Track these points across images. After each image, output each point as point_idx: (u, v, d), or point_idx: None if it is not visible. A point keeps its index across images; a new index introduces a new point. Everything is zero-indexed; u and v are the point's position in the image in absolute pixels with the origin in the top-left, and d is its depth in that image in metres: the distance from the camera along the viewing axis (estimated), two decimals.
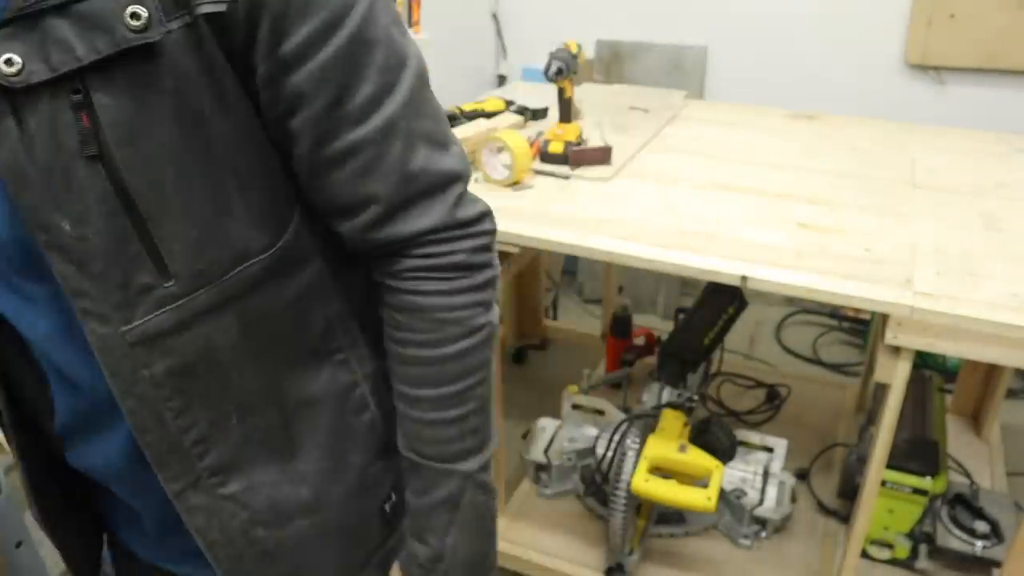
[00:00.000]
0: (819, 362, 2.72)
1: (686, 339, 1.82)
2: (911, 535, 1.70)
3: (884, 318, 1.23)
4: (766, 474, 1.80)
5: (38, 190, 0.52)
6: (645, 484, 1.50)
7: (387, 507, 0.78)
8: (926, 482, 1.64)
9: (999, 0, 2.30)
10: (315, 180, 0.61)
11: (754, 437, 1.88)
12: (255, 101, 0.57)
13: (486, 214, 0.67)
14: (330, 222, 0.65)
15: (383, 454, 0.75)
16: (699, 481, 1.54)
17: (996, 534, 1.67)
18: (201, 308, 0.59)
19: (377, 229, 0.63)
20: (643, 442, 1.58)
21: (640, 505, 1.70)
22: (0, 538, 1.29)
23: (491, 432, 0.72)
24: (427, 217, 0.63)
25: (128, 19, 0.49)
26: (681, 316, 1.94)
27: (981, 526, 1.68)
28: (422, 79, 0.62)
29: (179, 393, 0.61)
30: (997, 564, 1.65)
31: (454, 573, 0.72)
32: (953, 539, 1.68)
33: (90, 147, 0.51)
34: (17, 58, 0.49)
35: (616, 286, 2.49)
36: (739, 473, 1.80)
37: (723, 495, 1.74)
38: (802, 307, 2.96)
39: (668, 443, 1.57)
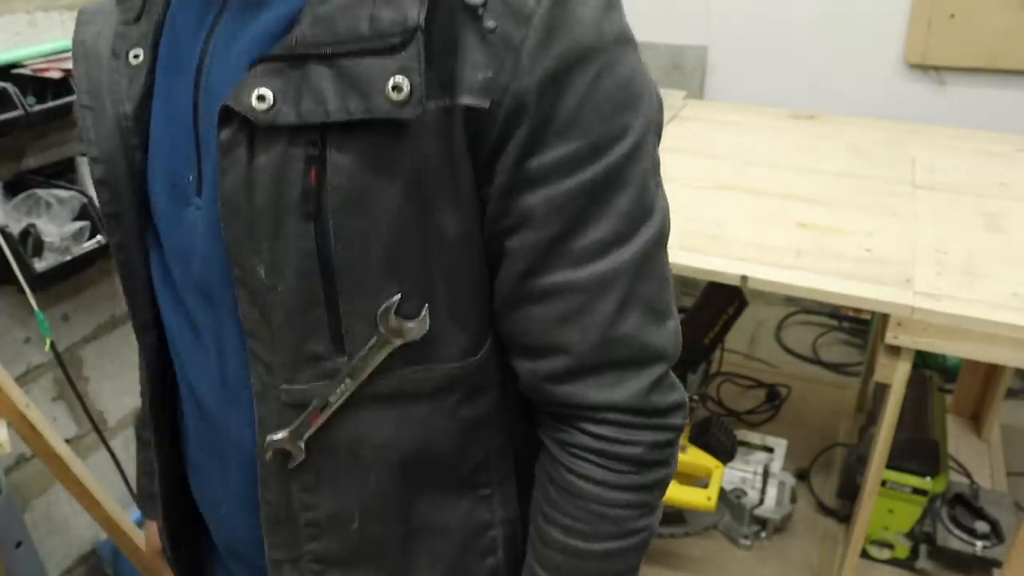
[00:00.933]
0: (819, 362, 2.72)
1: (686, 339, 1.82)
2: (911, 535, 1.70)
3: (884, 318, 1.23)
4: (766, 474, 1.80)
5: (245, 227, 0.51)
6: None
7: None
8: (926, 482, 1.64)
9: (999, 0, 2.30)
10: (511, 310, 0.56)
11: (754, 437, 1.88)
12: (482, 208, 0.52)
13: (681, 406, 0.59)
14: (513, 358, 0.59)
15: None
16: (699, 481, 1.54)
17: (996, 534, 1.67)
18: (364, 396, 0.55)
19: (558, 384, 0.56)
20: None
21: None
22: (0, 538, 1.29)
23: None
24: (617, 391, 0.55)
25: (390, 90, 0.46)
26: (681, 316, 1.93)
27: (981, 526, 1.67)
28: (661, 239, 0.56)
29: (313, 469, 0.58)
30: (997, 564, 1.65)
31: None
32: (953, 539, 1.68)
33: (308, 204, 0.49)
34: (270, 96, 0.47)
35: None
36: (739, 473, 1.80)
37: (723, 495, 1.74)
38: (802, 307, 2.95)
39: None
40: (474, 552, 0.65)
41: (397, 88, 0.46)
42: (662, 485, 0.60)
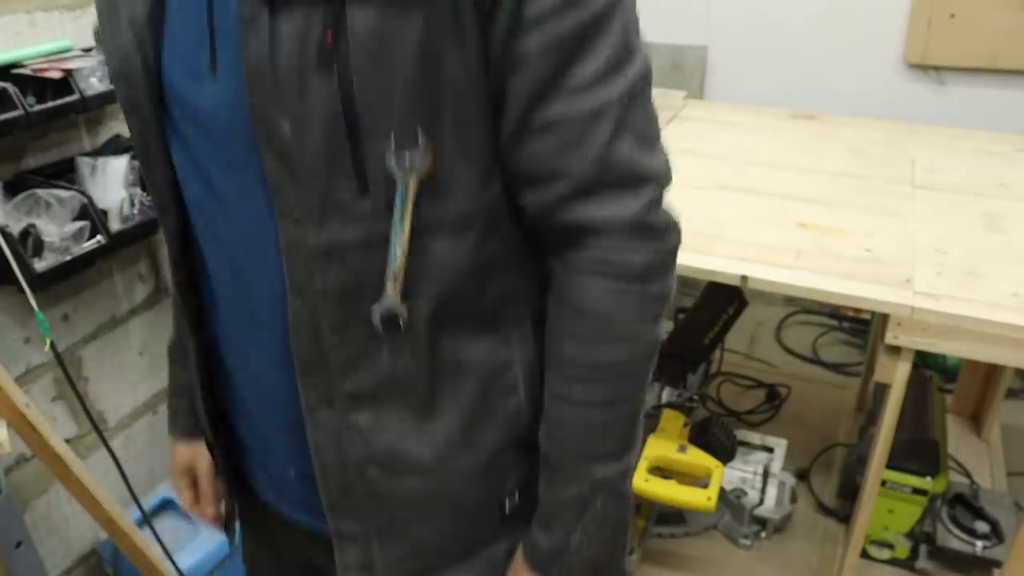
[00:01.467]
0: (819, 362, 2.72)
1: (686, 339, 1.82)
2: (911, 535, 1.70)
3: (884, 318, 1.23)
4: (766, 474, 1.80)
5: (270, 89, 0.55)
6: (645, 484, 1.50)
7: (507, 505, 0.74)
8: (926, 482, 1.64)
9: (999, 0, 2.30)
10: (516, 146, 0.61)
11: (754, 437, 1.88)
12: (487, 56, 0.58)
13: (675, 227, 0.65)
14: (518, 194, 0.64)
15: (520, 446, 0.72)
16: (699, 481, 1.54)
17: (996, 534, 1.67)
18: (386, 234, 0.59)
19: (563, 208, 0.62)
20: (643, 442, 1.58)
21: (640, 505, 1.70)
22: (0, 538, 1.29)
23: (636, 442, 0.71)
24: (616, 207, 0.61)
25: None
26: (681, 316, 1.94)
27: (981, 526, 1.68)
28: (646, 79, 0.62)
29: (342, 309, 0.62)
30: (997, 564, 1.65)
31: (578, 566, 0.70)
32: (953, 539, 1.68)
33: (334, 59, 0.53)
34: None
35: None
36: (739, 473, 1.80)
37: (723, 495, 1.74)
38: (802, 307, 2.96)
39: (668, 443, 1.57)
40: (496, 390, 0.69)
41: None
42: (664, 298, 0.66)
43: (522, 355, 0.70)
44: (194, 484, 0.94)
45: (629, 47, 0.60)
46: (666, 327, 2.07)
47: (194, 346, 0.76)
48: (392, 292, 0.61)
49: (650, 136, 0.63)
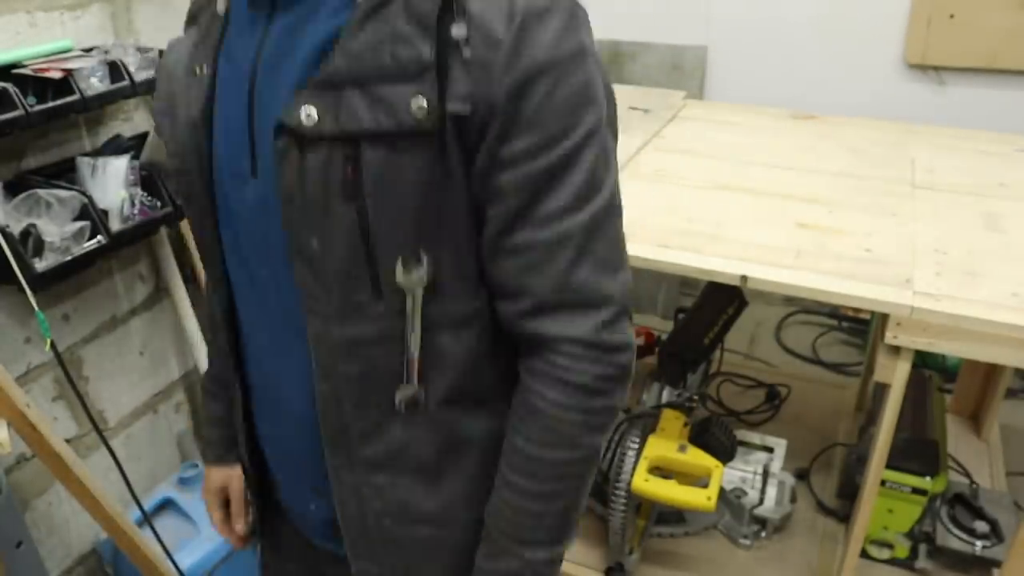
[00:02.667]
0: (819, 362, 2.72)
1: (686, 339, 1.82)
2: (911, 535, 1.70)
3: (884, 318, 1.23)
4: (766, 474, 1.80)
5: (300, 212, 0.66)
6: (645, 484, 1.51)
7: None
8: (926, 482, 1.64)
9: (999, 0, 2.30)
10: (492, 263, 0.70)
11: (754, 437, 1.88)
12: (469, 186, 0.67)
13: (627, 348, 0.71)
14: (494, 300, 0.73)
15: None
16: (699, 481, 1.54)
17: (996, 534, 1.67)
18: (399, 332, 0.70)
19: (527, 320, 0.70)
20: (643, 442, 1.58)
21: (640, 505, 1.70)
22: (0, 538, 1.29)
23: (568, 535, 0.78)
24: (571, 327, 0.69)
25: (414, 109, 0.62)
26: (681, 316, 1.94)
27: (981, 526, 1.68)
28: (612, 209, 0.70)
29: (362, 391, 0.73)
30: (997, 564, 1.65)
31: None
32: (953, 539, 1.68)
33: (349, 191, 0.64)
34: (315, 113, 0.63)
35: None
36: (739, 473, 1.80)
37: (723, 495, 1.74)
38: (802, 307, 2.96)
39: (668, 443, 1.57)
40: (493, 459, 0.78)
41: (420, 108, 0.62)
42: (607, 412, 0.73)
43: None
44: (225, 504, 1.04)
45: (596, 182, 0.67)
46: (666, 327, 2.07)
47: (237, 387, 0.86)
48: (413, 379, 0.72)
49: (612, 262, 0.70)
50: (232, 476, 1.02)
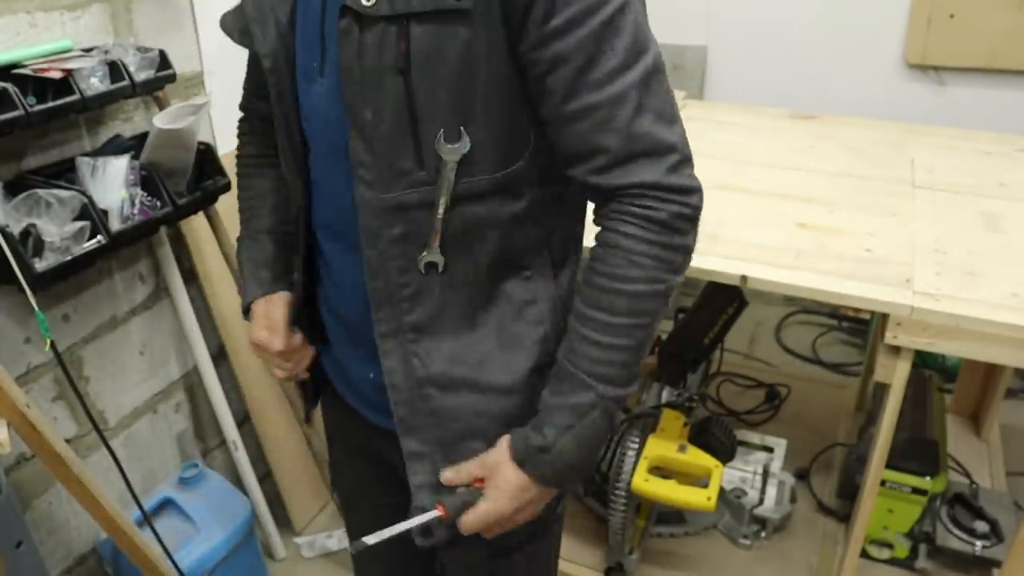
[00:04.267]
0: (819, 362, 2.72)
1: (686, 339, 1.82)
2: (911, 535, 1.70)
3: (884, 318, 1.23)
4: (766, 474, 1.80)
5: (358, 84, 0.75)
6: (645, 484, 1.51)
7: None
8: (926, 482, 1.64)
9: (999, 0, 2.30)
10: (560, 129, 0.77)
11: (754, 437, 1.88)
12: (516, 60, 0.74)
13: (696, 190, 0.78)
14: (567, 166, 0.79)
15: (543, 371, 0.86)
16: (699, 481, 1.54)
17: (996, 534, 1.67)
18: (436, 198, 0.78)
19: (601, 175, 0.77)
20: (643, 442, 1.58)
21: (640, 505, 1.70)
22: (0, 538, 1.29)
23: (636, 376, 0.83)
24: (644, 173, 0.75)
25: None
26: (681, 316, 1.94)
27: (981, 526, 1.68)
28: (657, 67, 0.76)
29: (405, 255, 0.80)
30: (997, 564, 1.65)
31: (553, 467, 0.81)
32: (953, 539, 1.68)
33: (400, 63, 0.73)
34: None
35: None
36: (739, 473, 1.80)
37: (723, 495, 1.74)
38: (802, 307, 2.96)
39: (668, 443, 1.57)
40: (525, 321, 0.86)
41: None
42: (683, 250, 0.80)
43: (545, 293, 0.87)
44: (271, 328, 1.03)
45: (640, 42, 0.74)
46: (666, 327, 2.06)
47: (302, 241, 0.94)
48: (435, 245, 0.80)
49: (667, 114, 0.76)
50: (275, 300, 1.01)
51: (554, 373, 0.84)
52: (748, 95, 2.68)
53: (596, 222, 0.82)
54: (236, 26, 0.89)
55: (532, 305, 0.87)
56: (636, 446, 1.58)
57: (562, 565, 1.72)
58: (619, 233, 0.78)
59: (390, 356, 0.85)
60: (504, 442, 0.85)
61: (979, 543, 1.65)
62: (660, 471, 1.56)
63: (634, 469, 1.54)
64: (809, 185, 1.61)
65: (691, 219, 0.79)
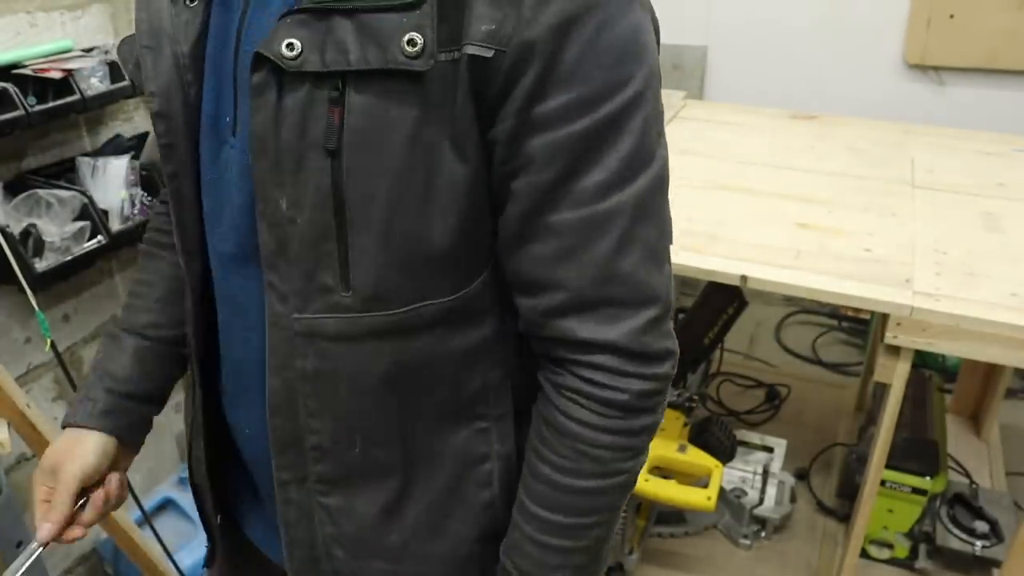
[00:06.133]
0: (819, 362, 2.72)
1: (686, 339, 1.82)
2: (911, 535, 1.70)
3: (884, 318, 1.23)
4: (766, 474, 1.80)
5: (271, 162, 0.56)
6: (645, 484, 1.51)
7: None
8: (926, 482, 1.64)
9: (999, 0, 2.30)
10: (515, 247, 0.59)
11: (754, 437, 1.88)
12: (488, 152, 0.56)
13: (671, 355, 0.61)
14: (515, 297, 0.62)
15: (491, 539, 0.70)
16: (699, 481, 1.54)
17: (995, 534, 1.67)
18: (365, 329, 0.59)
19: (556, 319, 0.59)
20: None
21: (640, 505, 1.70)
22: (0, 538, 1.29)
23: (600, 572, 0.68)
24: (611, 328, 0.58)
25: (405, 44, 0.51)
26: (681, 316, 1.94)
27: (980, 526, 1.68)
28: (661, 186, 0.59)
29: (318, 396, 0.62)
30: (996, 564, 1.65)
31: None
32: (953, 539, 1.68)
33: (331, 141, 0.54)
34: (298, 44, 0.52)
35: None
36: (739, 473, 1.80)
37: (723, 495, 1.74)
38: (802, 307, 2.96)
39: (668, 443, 1.58)
40: (471, 481, 0.68)
41: (412, 43, 0.51)
42: (648, 431, 0.62)
43: (500, 449, 0.68)
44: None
45: (646, 151, 0.56)
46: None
47: (199, 382, 0.74)
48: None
49: (658, 252, 0.59)
50: (89, 450, 0.73)
51: (499, 570, 0.68)
52: (748, 95, 2.68)
53: (540, 380, 0.64)
54: (131, 55, 0.67)
55: (482, 463, 0.68)
56: None
57: None
58: (567, 416, 0.60)
59: (291, 508, 0.67)
60: None
61: (979, 543, 1.65)
62: (660, 471, 1.56)
63: None
64: (809, 185, 1.61)
65: (661, 393, 0.61)
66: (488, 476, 0.69)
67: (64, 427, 0.76)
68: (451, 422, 0.66)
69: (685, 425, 1.65)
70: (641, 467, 0.65)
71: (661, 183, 0.59)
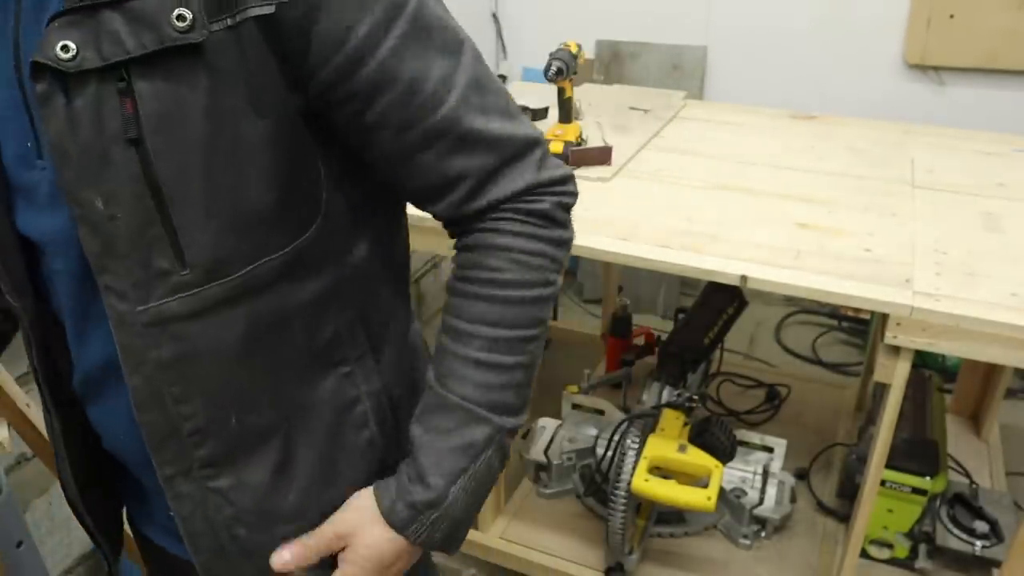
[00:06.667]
0: (819, 362, 2.72)
1: (686, 339, 1.82)
2: (911, 535, 1.70)
3: (884, 318, 1.23)
4: (766, 474, 1.80)
5: (77, 167, 0.55)
6: (645, 484, 1.51)
7: None
8: (925, 482, 1.64)
9: (999, 0, 2.30)
10: (405, 166, 0.63)
11: (754, 437, 1.88)
12: (302, 95, 0.58)
13: (570, 177, 0.69)
14: (425, 206, 0.67)
15: (378, 474, 0.73)
16: (699, 481, 1.54)
17: (995, 534, 1.67)
18: (212, 300, 0.61)
19: (473, 200, 0.65)
20: (643, 442, 1.58)
21: (640, 505, 1.70)
22: (1, 538, 1.29)
23: (529, 399, 0.70)
24: (518, 179, 0.65)
25: (174, 20, 0.52)
26: (681, 316, 1.94)
27: (980, 526, 1.68)
28: (479, 59, 0.64)
29: (182, 380, 0.63)
30: (996, 564, 1.65)
31: (442, 527, 0.67)
32: (952, 539, 1.68)
33: (130, 131, 0.54)
34: (73, 45, 0.52)
35: (616, 286, 2.49)
36: (739, 473, 1.80)
37: (723, 495, 1.74)
38: (802, 307, 2.96)
39: (668, 443, 1.58)
40: (347, 425, 0.71)
41: (181, 18, 0.52)
42: (566, 244, 0.69)
43: (368, 389, 0.72)
44: None
45: (453, 33, 0.62)
46: (666, 327, 2.06)
47: (56, 418, 0.76)
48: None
49: (511, 107, 0.66)
50: None
51: (428, 407, 0.69)
52: (748, 95, 2.68)
53: (456, 246, 0.69)
54: None
55: (354, 406, 0.71)
56: (636, 446, 1.58)
57: (562, 565, 1.72)
58: (498, 232, 0.65)
59: (183, 501, 0.67)
60: (365, 500, 0.69)
61: (979, 543, 1.65)
62: (660, 471, 1.56)
63: (634, 469, 1.54)
64: (809, 185, 1.61)
65: (569, 207, 0.69)
66: (363, 417, 0.72)
67: None
68: (315, 372, 0.68)
69: (685, 425, 1.65)
70: (559, 286, 0.70)
71: (478, 54, 0.64)
